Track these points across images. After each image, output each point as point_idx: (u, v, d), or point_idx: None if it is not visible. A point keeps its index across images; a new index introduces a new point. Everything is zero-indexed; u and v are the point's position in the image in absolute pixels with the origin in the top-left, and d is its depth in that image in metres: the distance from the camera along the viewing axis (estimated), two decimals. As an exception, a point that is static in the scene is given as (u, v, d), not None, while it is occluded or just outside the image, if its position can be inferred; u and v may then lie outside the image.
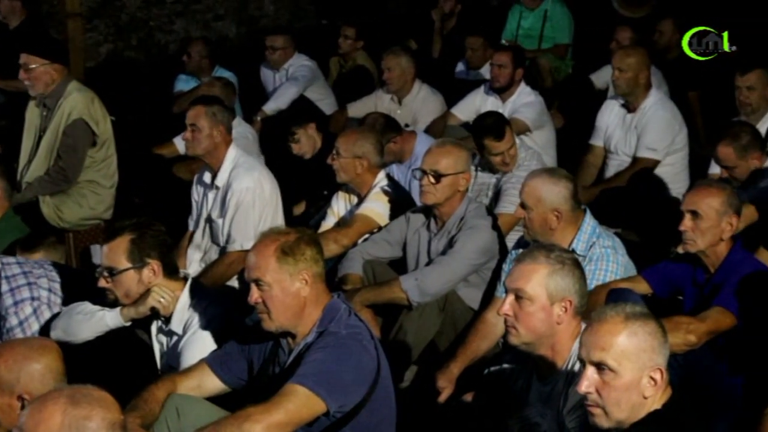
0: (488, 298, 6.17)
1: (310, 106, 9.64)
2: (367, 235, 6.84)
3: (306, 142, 8.24)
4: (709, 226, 5.51)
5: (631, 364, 3.67)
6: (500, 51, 9.11)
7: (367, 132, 7.24)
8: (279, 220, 6.81)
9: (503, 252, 6.34)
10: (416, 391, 6.03)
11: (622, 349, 3.66)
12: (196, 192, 7.07)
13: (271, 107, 9.69)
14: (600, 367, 3.68)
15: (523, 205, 5.82)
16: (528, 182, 5.87)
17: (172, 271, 5.22)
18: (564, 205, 5.81)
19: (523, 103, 8.82)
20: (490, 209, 6.71)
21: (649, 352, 3.69)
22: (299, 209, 8.30)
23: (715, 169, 7.35)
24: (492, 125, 7.30)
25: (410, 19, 12.60)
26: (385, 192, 6.96)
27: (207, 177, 6.91)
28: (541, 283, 4.31)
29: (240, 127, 8.05)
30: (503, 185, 7.29)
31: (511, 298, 4.36)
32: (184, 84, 10.29)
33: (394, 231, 6.60)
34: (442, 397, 5.61)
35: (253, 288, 4.56)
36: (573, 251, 5.75)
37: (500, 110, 8.66)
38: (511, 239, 6.60)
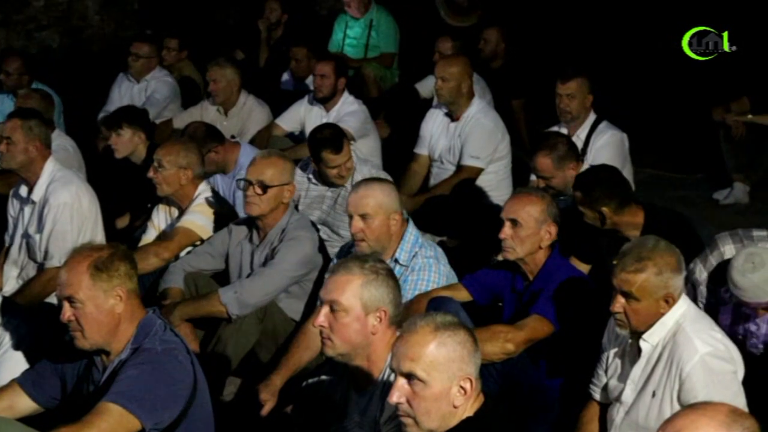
0: (310, 309, 6.16)
1: (146, 114, 9.46)
2: (189, 248, 6.77)
3: (127, 142, 8.03)
4: (528, 234, 5.61)
5: (440, 374, 3.67)
6: (322, 61, 9.09)
7: (189, 143, 7.17)
8: (99, 235, 6.68)
9: (325, 263, 6.34)
10: (239, 404, 5.99)
11: (431, 360, 3.67)
12: (12, 207, 6.91)
13: None
14: (410, 377, 3.68)
15: (363, 217, 5.76)
16: (363, 192, 5.82)
17: (-20, 290, 5.08)
18: (401, 207, 5.84)
19: (347, 112, 8.83)
20: (313, 223, 6.67)
21: (458, 361, 3.70)
22: (123, 222, 8.17)
23: (537, 177, 7.46)
24: (330, 138, 7.21)
25: (237, 29, 12.52)
26: (207, 204, 6.89)
27: (23, 191, 6.76)
28: (355, 293, 4.29)
29: (60, 140, 7.86)
30: (340, 199, 7.26)
31: (325, 309, 4.34)
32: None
33: (216, 243, 6.56)
34: (265, 410, 5.56)
35: (66, 306, 4.48)
36: (396, 261, 5.80)
37: (324, 119, 8.71)
38: (333, 250, 6.60)
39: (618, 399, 4.93)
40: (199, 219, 6.83)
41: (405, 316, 4.46)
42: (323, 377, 4.63)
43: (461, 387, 3.71)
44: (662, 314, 4.73)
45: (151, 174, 6.90)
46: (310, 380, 4.72)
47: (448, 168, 8.26)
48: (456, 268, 6.36)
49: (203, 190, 6.95)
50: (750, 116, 9.53)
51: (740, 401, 4.68)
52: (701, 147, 10.24)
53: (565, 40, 12.05)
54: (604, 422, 5.05)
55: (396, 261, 5.81)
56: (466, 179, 8.11)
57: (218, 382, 6.00)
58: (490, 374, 5.24)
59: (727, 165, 9.66)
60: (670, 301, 4.71)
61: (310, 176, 7.45)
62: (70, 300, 4.45)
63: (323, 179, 7.39)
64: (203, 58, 10.50)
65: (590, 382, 5.11)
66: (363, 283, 4.31)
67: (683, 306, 4.77)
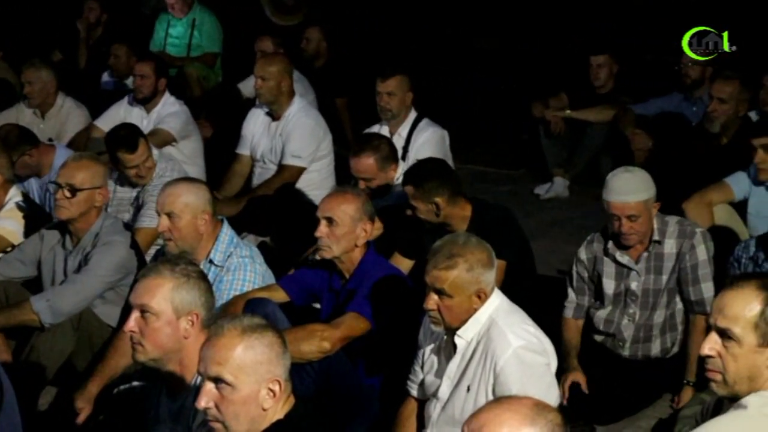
0: (127, 314, 6.02)
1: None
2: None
3: None
4: (344, 233, 5.61)
5: (248, 377, 3.63)
6: (142, 62, 8.99)
7: (-3, 147, 7.00)
8: None
9: (142, 267, 6.23)
10: (55, 413, 5.86)
11: (239, 363, 3.62)
12: None
13: None
14: (217, 381, 3.64)
15: (169, 215, 5.72)
16: (170, 191, 5.78)
17: None
18: (209, 207, 5.78)
19: (168, 113, 8.74)
20: (128, 225, 6.57)
21: (266, 364, 3.66)
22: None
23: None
24: (125, 137, 7.18)
25: (56, 29, 12.27)
26: (18, 209, 6.75)
27: None
28: (166, 297, 4.23)
29: None
30: (143, 198, 7.19)
31: (136, 314, 4.28)
32: None
33: (27, 249, 6.39)
34: (80, 419, 5.48)
35: None
36: (211, 261, 5.75)
37: (145, 121, 8.64)
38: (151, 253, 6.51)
39: (434, 395, 4.96)
40: (10, 225, 6.67)
41: (222, 317, 4.40)
42: (135, 383, 4.56)
43: (270, 389, 3.67)
44: (475, 310, 4.76)
45: (-43, 182, 6.71)
46: (122, 387, 4.64)
47: (270, 168, 8.21)
48: (279, 268, 6.33)
49: (14, 195, 6.78)
50: (568, 111, 9.74)
51: (553, 393, 4.76)
52: (522, 143, 10.43)
53: (387, 39, 12.15)
54: (422, 418, 5.08)
55: (211, 262, 5.78)
56: (288, 179, 8.07)
57: (33, 393, 5.86)
58: (308, 374, 5.21)
59: (547, 160, 9.84)
60: (482, 296, 4.75)
61: (116, 179, 7.35)
62: None
63: (129, 181, 7.33)
64: (19, 59, 10.25)
65: (407, 379, 5.13)
66: (174, 287, 4.25)
67: (496, 301, 4.81)
